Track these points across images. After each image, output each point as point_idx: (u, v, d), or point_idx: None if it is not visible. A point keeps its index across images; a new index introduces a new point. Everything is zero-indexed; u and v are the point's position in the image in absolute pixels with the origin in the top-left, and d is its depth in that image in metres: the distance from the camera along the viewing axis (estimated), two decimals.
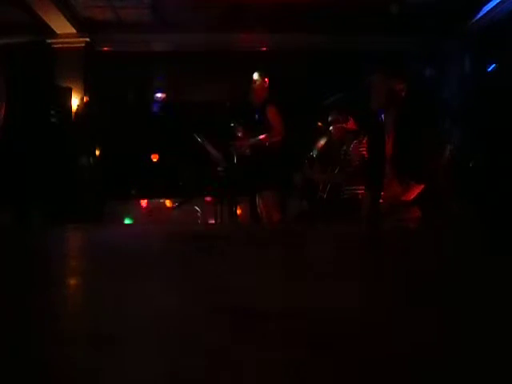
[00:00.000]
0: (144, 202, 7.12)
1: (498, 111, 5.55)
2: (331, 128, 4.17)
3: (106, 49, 6.93)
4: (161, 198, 7.01)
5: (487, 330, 0.57)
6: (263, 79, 4.45)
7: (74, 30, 6.49)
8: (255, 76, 4.46)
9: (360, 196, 3.68)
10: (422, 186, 2.72)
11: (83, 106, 6.60)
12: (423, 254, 1.22)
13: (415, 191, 2.74)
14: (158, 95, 7.52)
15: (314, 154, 4.41)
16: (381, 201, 2.92)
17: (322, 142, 4.39)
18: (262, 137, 4.31)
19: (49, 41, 6.54)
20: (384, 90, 2.85)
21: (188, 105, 7.29)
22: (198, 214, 5.54)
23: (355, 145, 3.91)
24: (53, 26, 6.33)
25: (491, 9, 6.02)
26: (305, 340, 0.53)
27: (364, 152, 3.83)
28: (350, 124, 4.08)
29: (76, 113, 6.58)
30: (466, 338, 0.54)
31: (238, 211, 4.88)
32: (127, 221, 6.82)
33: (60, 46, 6.58)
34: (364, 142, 3.90)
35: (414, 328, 0.58)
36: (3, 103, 2.70)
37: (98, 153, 6.87)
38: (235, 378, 0.44)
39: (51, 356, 0.49)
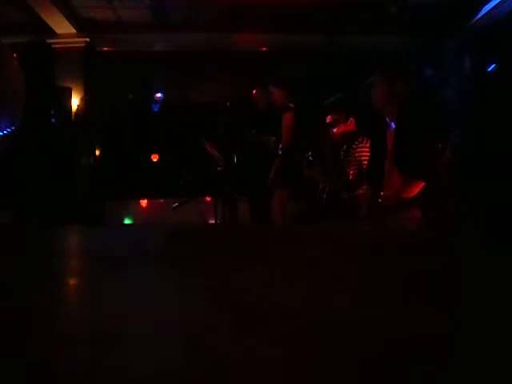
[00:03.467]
0: (144, 202, 7.12)
1: (498, 111, 5.55)
2: (331, 129, 4.17)
3: (105, 49, 6.93)
4: (161, 198, 7.00)
5: (487, 330, 0.57)
6: (276, 90, 4.48)
7: (73, 30, 6.49)
8: (269, 87, 4.51)
9: (360, 196, 3.68)
10: (423, 184, 2.74)
11: (83, 106, 6.60)
12: (423, 254, 1.22)
13: (416, 188, 2.75)
14: (158, 95, 7.52)
15: (314, 154, 4.41)
16: (379, 199, 2.93)
17: (322, 142, 4.39)
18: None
19: (49, 41, 6.54)
20: (386, 90, 2.87)
21: (188, 105, 7.29)
22: (198, 214, 5.53)
23: (356, 150, 3.90)
24: (53, 26, 6.32)
25: (491, 9, 6.02)
26: (305, 340, 0.53)
27: (363, 158, 3.83)
28: (350, 125, 4.08)
29: (76, 113, 6.57)
30: (465, 338, 0.54)
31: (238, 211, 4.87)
32: (127, 221, 6.81)
33: (60, 45, 6.57)
34: (361, 145, 3.89)
35: (414, 328, 0.58)
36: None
37: (97, 153, 6.87)
38: (235, 378, 0.44)
39: (51, 356, 0.49)
